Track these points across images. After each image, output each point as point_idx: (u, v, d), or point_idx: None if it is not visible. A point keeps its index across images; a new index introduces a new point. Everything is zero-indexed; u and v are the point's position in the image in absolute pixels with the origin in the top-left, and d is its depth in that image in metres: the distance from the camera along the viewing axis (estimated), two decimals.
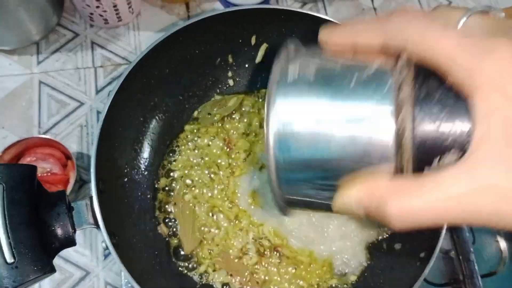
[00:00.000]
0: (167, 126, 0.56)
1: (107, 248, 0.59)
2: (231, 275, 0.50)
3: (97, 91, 0.68)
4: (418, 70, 0.27)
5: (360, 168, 0.27)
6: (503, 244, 0.58)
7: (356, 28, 0.28)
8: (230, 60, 0.59)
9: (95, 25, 0.72)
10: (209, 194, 0.53)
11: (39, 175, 0.55)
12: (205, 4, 0.75)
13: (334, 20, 0.54)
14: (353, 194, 0.27)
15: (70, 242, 0.39)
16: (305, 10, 0.54)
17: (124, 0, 0.67)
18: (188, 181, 0.54)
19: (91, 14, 0.68)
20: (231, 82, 0.60)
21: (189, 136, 0.57)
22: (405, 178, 0.26)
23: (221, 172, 0.54)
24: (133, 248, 0.46)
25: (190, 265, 0.50)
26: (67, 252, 0.58)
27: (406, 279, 0.44)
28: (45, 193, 0.39)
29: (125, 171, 0.50)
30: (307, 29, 0.56)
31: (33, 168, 0.38)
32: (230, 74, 0.60)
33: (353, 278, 0.51)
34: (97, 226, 0.40)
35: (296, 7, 0.73)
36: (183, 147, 0.56)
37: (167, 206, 0.53)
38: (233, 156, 0.55)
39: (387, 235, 0.53)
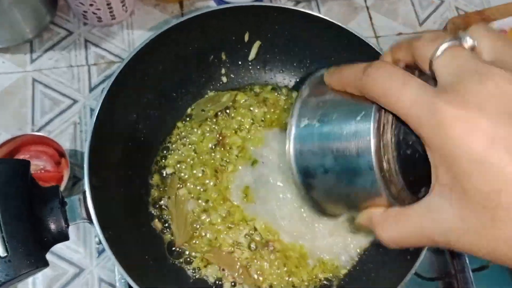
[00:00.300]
0: (161, 123, 0.56)
1: (100, 242, 0.59)
2: (223, 269, 0.50)
3: (91, 89, 0.68)
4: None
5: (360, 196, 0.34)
6: None
7: (343, 77, 0.34)
8: (224, 57, 0.59)
9: (89, 23, 0.72)
10: (202, 189, 0.53)
11: (33, 172, 0.55)
12: (199, 2, 0.76)
13: (327, 18, 0.54)
14: (360, 219, 0.35)
15: (63, 236, 0.39)
16: (298, 8, 0.54)
17: None
18: (181, 177, 0.54)
19: (85, 12, 0.68)
20: (224, 79, 0.61)
21: (182, 132, 0.57)
22: (392, 210, 0.32)
23: (214, 168, 0.54)
24: (127, 243, 0.46)
25: (183, 260, 0.51)
26: (60, 249, 0.59)
27: (398, 272, 0.45)
28: (38, 188, 0.39)
29: (119, 166, 0.50)
30: (300, 27, 0.56)
31: (27, 163, 0.38)
32: (223, 71, 0.60)
33: (343, 271, 0.51)
34: (90, 221, 0.41)
35: (289, 5, 0.73)
36: (176, 143, 0.56)
37: (160, 202, 0.53)
38: (226, 152, 0.55)
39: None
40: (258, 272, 0.50)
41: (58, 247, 0.58)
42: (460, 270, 0.56)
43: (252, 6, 0.55)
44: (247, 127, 0.57)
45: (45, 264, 0.36)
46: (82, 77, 0.69)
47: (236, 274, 0.50)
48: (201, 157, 0.55)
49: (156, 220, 0.52)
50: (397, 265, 0.47)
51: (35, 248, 0.36)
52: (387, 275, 0.47)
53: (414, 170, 0.32)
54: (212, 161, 0.55)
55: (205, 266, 0.50)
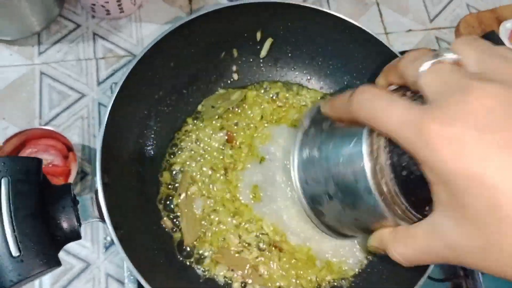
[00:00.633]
0: (171, 120, 0.56)
1: (105, 238, 0.59)
2: (232, 269, 0.50)
3: (99, 83, 0.67)
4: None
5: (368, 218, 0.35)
6: None
7: (335, 105, 0.36)
8: (235, 54, 0.59)
9: (97, 16, 0.71)
10: (211, 188, 0.53)
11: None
12: None
13: (337, 15, 0.53)
14: (371, 241, 0.36)
15: (75, 235, 0.39)
16: (308, 4, 0.54)
17: None
18: (191, 175, 0.54)
19: (93, 5, 0.67)
20: (235, 76, 0.60)
21: (192, 129, 0.56)
22: (401, 229, 0.33)
23: (223, 166, 0.54)
24: (137, 241, 0.45)
25: (193, 259, 0.50)
26: (68, 244, 0.58)
27: (410, 275, 0.45)
28: (50, 186, 0.39)
29: (129, 164, 0.50)
30: (311, 24, 0.56)
31: (39, 161, 0.38)
32: (234, 68, 0.60)
33: (351, 273, 0.51)
34: (102, 220, 0.40)
35: (299, 1, 0.72)
36: (186, 140, 0.56)
37: (170, 200, 0.53)
38: (235, 149, 0.55)
39: None
40: (267, 272, 0.50)
41: None
42: (469, 271, 0.56)
43: (264, 3, 0.54)
44: (256, 124, 0.57)
45: (58, 263, 0.36)
46: (90, 71, 0.68)
47: (246, 273, 0.50)
48: (210, 155, 0.55)
49: (166, 218, 0.52)
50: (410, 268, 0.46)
51: (47, 247, 0.36)
52: (399, 279, 0.47)
53: (414, 189, 0.31)
54: (222, 159, 0.54)
55: (215, 266, 0.50)
